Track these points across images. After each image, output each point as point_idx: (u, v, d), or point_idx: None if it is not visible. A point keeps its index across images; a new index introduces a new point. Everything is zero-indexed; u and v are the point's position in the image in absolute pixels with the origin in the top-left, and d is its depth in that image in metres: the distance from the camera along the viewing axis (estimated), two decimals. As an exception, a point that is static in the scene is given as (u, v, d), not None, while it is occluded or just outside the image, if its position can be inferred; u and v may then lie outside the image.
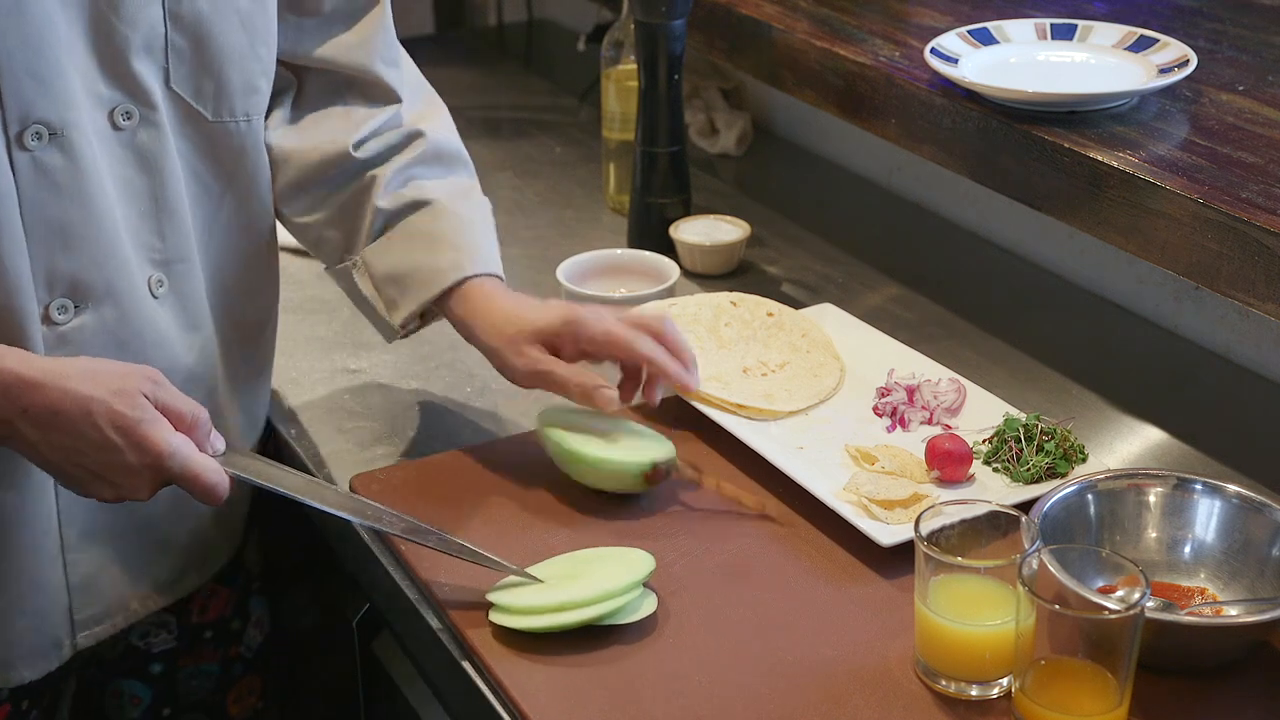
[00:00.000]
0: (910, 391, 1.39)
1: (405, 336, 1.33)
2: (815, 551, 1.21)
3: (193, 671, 1.39)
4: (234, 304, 1.28)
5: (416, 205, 1.31)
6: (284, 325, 1.41)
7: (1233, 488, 1.16)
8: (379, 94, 1.32)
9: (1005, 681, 1.05)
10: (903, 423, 1.37)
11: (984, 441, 1.31)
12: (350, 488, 1.30)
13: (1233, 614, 1.09)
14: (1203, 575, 1.15)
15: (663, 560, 1.18)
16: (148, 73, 1.14)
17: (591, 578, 1.13)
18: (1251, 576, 1.12)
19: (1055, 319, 1.60)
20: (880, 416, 1.38)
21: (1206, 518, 1.16)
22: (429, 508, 1.26)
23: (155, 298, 1.19)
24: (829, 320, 1.52)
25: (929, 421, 1.36)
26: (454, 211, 1.31)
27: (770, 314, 1.51)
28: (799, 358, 1.46)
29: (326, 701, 1.53)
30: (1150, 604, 1.01)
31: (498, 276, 1.30)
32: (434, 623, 1.16)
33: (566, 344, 1.26)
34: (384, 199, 1.30)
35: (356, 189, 1.31)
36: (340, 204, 1.32)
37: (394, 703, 1.32)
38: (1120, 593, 1.04)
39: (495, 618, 1.12)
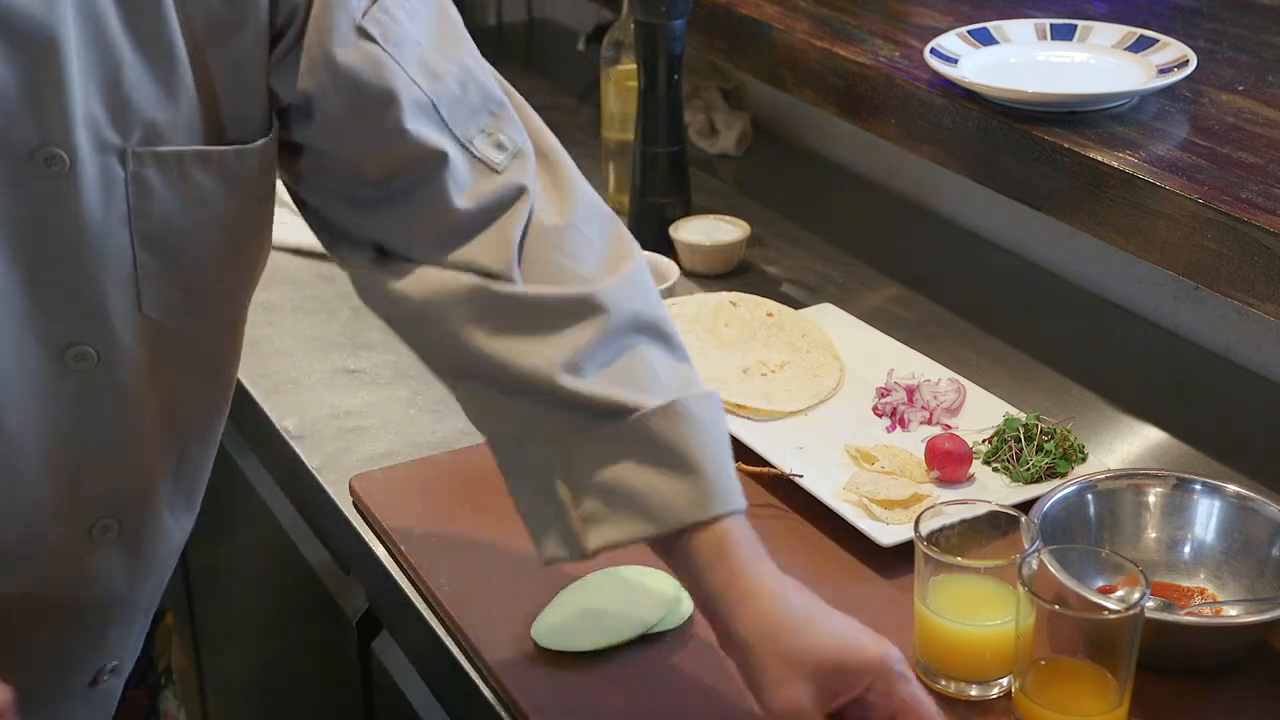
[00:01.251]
0: (910, 391, 1.39)
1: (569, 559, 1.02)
2: (815, 551, 1.22)
3: None
4: (209, 447, 1.13)
5: (633, 405, 0.97)
6: (284, 325, 1.42)
7: (1232, 488, 1.16)
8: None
9: (1005, 681, 1.06)
10: (902, 423, 1.37)
11: (984, 441, 1.32)
12: (350, 488, 1.31)
13: (1232, 614, 1.10)
14: (1202, 575, 1.15)
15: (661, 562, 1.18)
16: (107, 300, 0.97)
17: (630, 602, 1.13)
18: (1251, 576, 1.13)
19: (1055, 319, 1.61)
20: (880, 416, 1.39)
21: (1206, 518, 1.16)
22: (429, 508, 1.27)
23: (94, 543, 1.05)
24: (829, 320, 1.53)
25: (929, 421, 1.37)
26: (693, 415, 0.98)
27: (770, 314, 1.52)
28: (799, 358, 1.46)
29: (326, 702, 1.54)
30: (1150, 604, 1.01)
31: (742, 513, 0.98)
32: (434, 623, 1.17)
33: (849, 696, 0.94)
34: (595, 385, 0.98)
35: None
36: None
37: (394, 702, 1.32)
38: (1120, 593, 1.04)
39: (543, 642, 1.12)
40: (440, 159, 0.99)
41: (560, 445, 0.99)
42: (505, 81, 1.07)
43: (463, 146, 1.00)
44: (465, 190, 1.00)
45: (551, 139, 1.07)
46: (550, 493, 0.99)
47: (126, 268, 0.97)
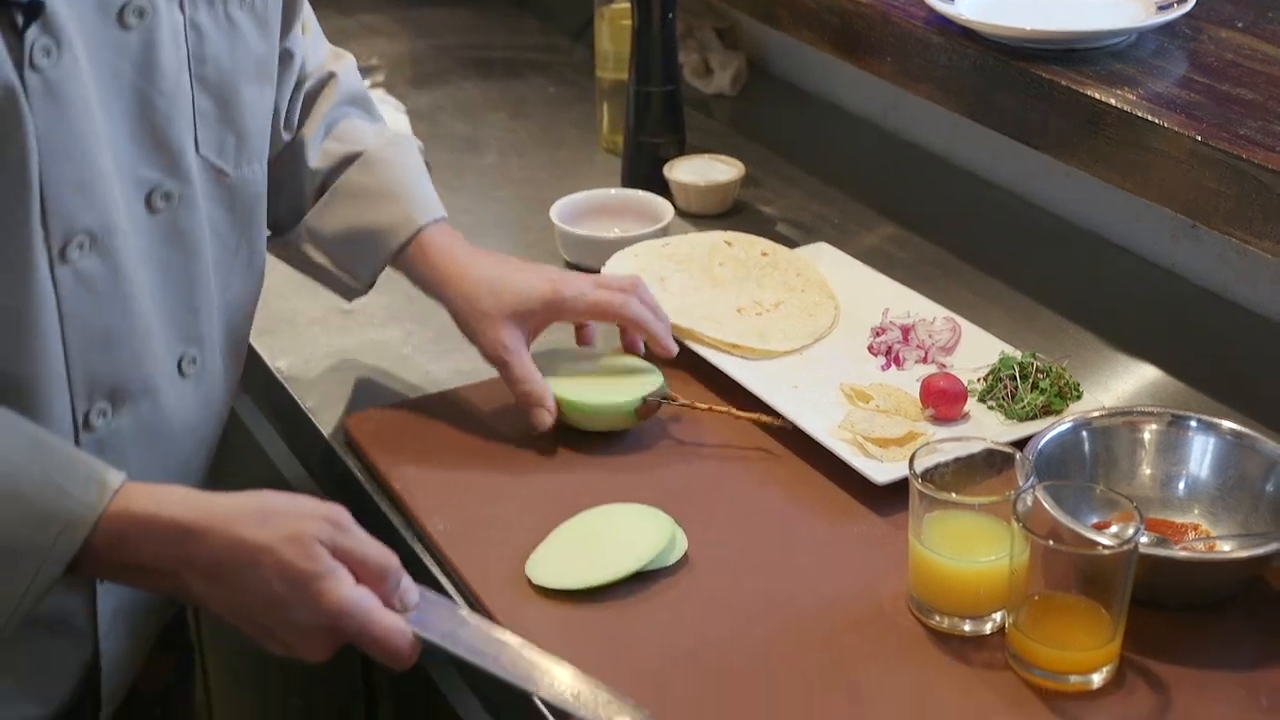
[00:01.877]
0: (905, 330, 1.39)
1: (366, 291, 1.33)
2: (809, 489, 1.22)
3: None
4: (238, 341, 1.22)
5: (349, 160, 1.30)
6: (277, 266, 1.41)
7: (1227, 424, 1.16)
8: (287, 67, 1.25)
9: (999, 617, 1.06)
10: (898, 361, 1.37)
11: (979, 380, 1.32)
12: (344, 428, 1.31)
13: (1226, 549, 1.10)
14: (1196, 511, 1.15)
15: (656, 499, 1.19)
16: (181, 141, 1.08)
17: (623, 542, 1.13)
18: (1245, 512, 1.13)
19: (1052, 258, 1.60)
20: (875, 355, 1.39)
21: (1201, 454, 1.16)
22: (424, 449, 1.27)
23: (184, 377, 1.13)
24: (824, 260, 1.52)
25: (924, 360, 1.37)
26: (387, 160, 1.30)
27: (765, 253, 1.51)
28: (793, 297, 1.46)
29: (341, 680, 1.54)
30: (1144, 539, 1.01)
31: (444, 220, 1.30)
32: (429, 562, 1.17)
33: (545, 321, 1.28)
34: (315, 159, 1.29)
35: (287, 158, 1.29)
36: (275, 180, 1.23)
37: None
38: (1114, 529, 1.05)
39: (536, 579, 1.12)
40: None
41: (300, 224, 1.30)
42: None
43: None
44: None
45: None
46: (313, 262, 1.31)
47: (188, 111, 1.08)
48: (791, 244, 1.56)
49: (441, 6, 2.31)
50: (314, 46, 1.32)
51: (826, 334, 1.42)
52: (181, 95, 1.07)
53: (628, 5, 1.71)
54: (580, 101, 1.99)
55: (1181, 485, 1.16)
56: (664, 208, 1.60)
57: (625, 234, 1.56)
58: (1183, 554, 1.09)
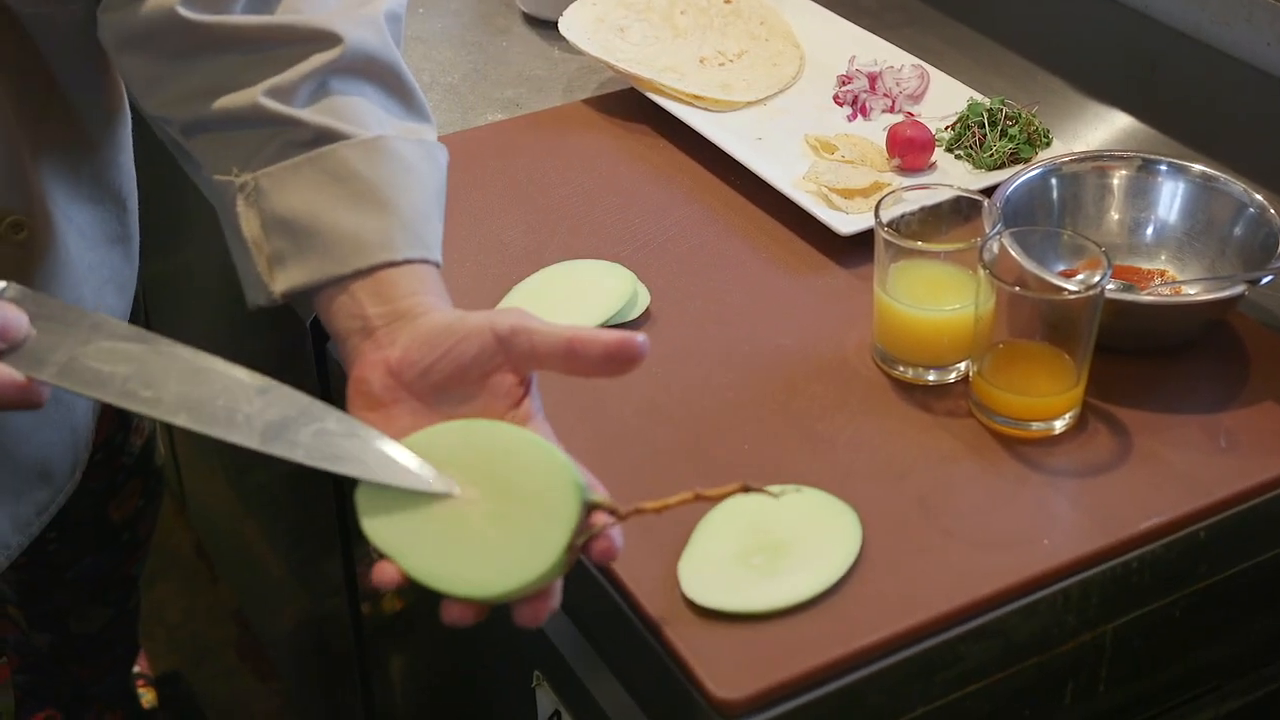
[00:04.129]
0: (872, 79, 1.37)
1: (273, 307, 0.94)
2: (773, 243, 1.22)
3: (80, 492, 1.26)
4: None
5: (336, 134, 0.92)
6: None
7: (1197, 167, 1.16)
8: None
9: (963, 366, 1.07)
10: (864, 111, 1.35)
11: (946, 128, 1.30)
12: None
13: (1191, 293, 1.11)
14: (1164, 257, 1.16)
15: (617, 255, 1.18)
16: None
17: (585, 297, 1.12)
18: (1212, 256, 1.14)
19: (1021, 2, 1.57)
20: (841, 105, 1.37)
21: (1170, 199, 1.16)
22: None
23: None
24: (788, 6, 1.49)
25: (891, 109, 1.35)
26: (399, 154, 0.93)
27: (727, 0, 1.48)
28: (757, 46, 1.43)
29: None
30: (1110, 285, 1.02)
31: (435, 264, 0.92)
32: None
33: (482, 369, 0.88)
34: (303, 109, 0.93)
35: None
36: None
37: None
38: (1081, 275, 1.05)
39: None
40: None
41: (251, 175, 0.93)
42: None
43: None
44: None
45: None
46: (238, 232, 0.94)
47: None
48: (755, -9, 1.53)
49: None
50: None
51: (791, 84, 1.40)
52: None
53: None
54: None
55: (1150, 230, 1.16)
56: (622, -46, 1.56)
57: (582, -18, 1.52)
58: (1148, 298, 1.09)
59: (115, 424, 1.35)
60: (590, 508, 0.82)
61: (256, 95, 0.92)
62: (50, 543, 1.33)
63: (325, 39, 0.93)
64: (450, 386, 0.85)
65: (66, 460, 1.17)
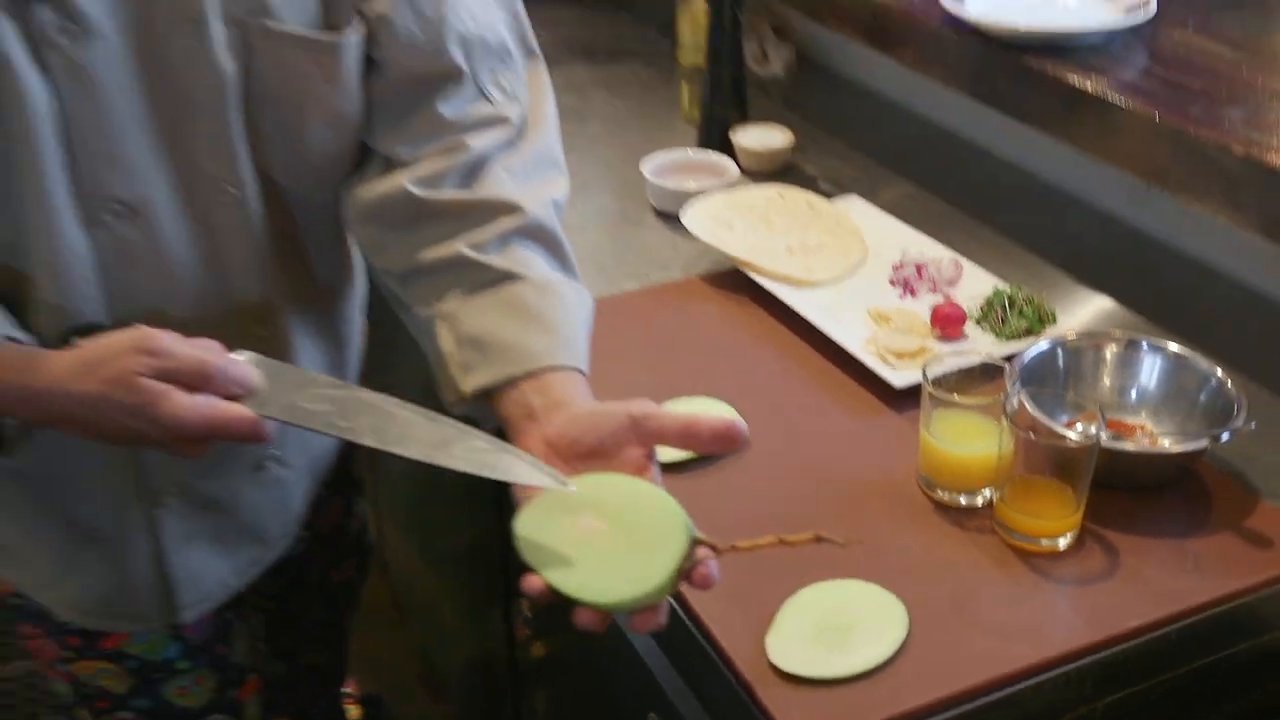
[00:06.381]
0: (919, 267, 1.39)
1: (464, 405, 0.95)
2: (842, 391, 1.23)
3: (309, 562, 1.27)
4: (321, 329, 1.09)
5: (515, 276, 0.95)
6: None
7: (1172, 347, 1.16)
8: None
9: (988, 492, 1.07)
10: (912, 291, 1.37)
11: (976, 307, 1.31)
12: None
13: (1166, 445, 1.10)
14: (1144, 414, 1.15)
15: (720, 394, 1.20)
16: (231, 148, 0.95)
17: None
18: (1182, 416, 1.13)
19: (1035, 212, 1.58)
20: (894, 286, 1.39)
21: (1150, 370, 1.16)
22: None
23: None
24: (855, 210, 1.52)
25: (933, 291, 1.37)
26: (560, 293, 0.96)
27: (809, 205, 1.51)
28: (832, 239, 1.46)
29: (470, 492, 1.56)
30: (1104, 435, 1.02)
31: (583, 373, 0.93)
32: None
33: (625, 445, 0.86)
34: (492, 257, 0.96)
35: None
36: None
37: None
38: (1080, 426, 1.05)
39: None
40: (458, 77, 0.99)
41: (448, 306, 0.96)
42: (535, 43, 1.05)
43: (474, 75, 1.00)
44: (458, 105, 0.99)
45: (545, 103, 1.05)
46: (437, 349, 0.96)
47: (236, 124, 0.94)
48: (830, 197, 1.55)
49: (559, 6, 2.29)
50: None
51: (857, 269, 1.42)
52: (229, 108, 0.93)
53: (704, 3, 1.70)
54: (665, 82, 1.98)
55: (1134, 393, 1.16)
56: (730, 166, 1.60)
57: (700, 187, 1.56)
58: (1132, 447, 1.09)
59: (341, 512, 1.38)
60: (695, 542, 0.81)
61: (460, 247, 0.96)
62: (289, 599, 1.36)
63: (512, 210, 0.97)
64: (592, 456, 0.85)
65: (278, 530, 1.19)
